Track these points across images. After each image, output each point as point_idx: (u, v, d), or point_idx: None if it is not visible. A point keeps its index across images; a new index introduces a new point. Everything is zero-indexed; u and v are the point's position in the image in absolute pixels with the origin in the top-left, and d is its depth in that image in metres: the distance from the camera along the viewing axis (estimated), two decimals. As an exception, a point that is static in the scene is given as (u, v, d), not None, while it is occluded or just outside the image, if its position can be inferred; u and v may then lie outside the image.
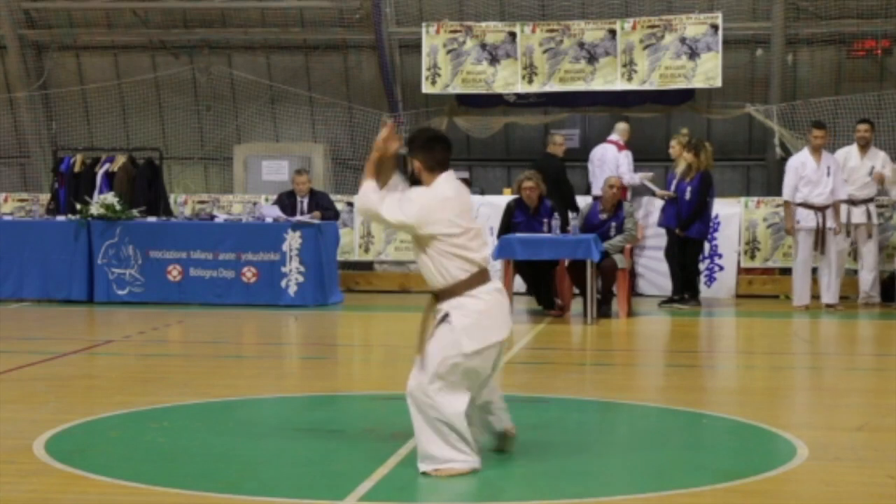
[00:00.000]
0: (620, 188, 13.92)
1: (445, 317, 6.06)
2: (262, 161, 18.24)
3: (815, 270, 14.39)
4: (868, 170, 14.44)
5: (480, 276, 6.13)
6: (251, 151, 18.46)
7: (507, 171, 18.58)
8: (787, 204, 14.46)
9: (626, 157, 15.65)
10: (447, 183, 6.24)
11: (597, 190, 15.61)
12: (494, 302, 6.15)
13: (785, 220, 14.62)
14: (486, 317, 6.10)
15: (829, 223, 14.13)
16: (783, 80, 17.28)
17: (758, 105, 17.23)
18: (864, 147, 14.60)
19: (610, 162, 15.59)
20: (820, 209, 14.15)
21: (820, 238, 14.13)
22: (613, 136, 15.95)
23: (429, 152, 6.27)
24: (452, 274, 6.09)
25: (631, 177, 15.46)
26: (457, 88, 17.04)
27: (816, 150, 14.23)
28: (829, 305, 14.18)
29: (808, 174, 14.19)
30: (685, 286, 14.34)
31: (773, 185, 17.67)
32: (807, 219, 14.20)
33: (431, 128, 6.60)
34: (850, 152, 14.61)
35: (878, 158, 14.67)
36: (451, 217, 6.10)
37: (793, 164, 14.45)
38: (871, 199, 14.54)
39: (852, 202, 14.43)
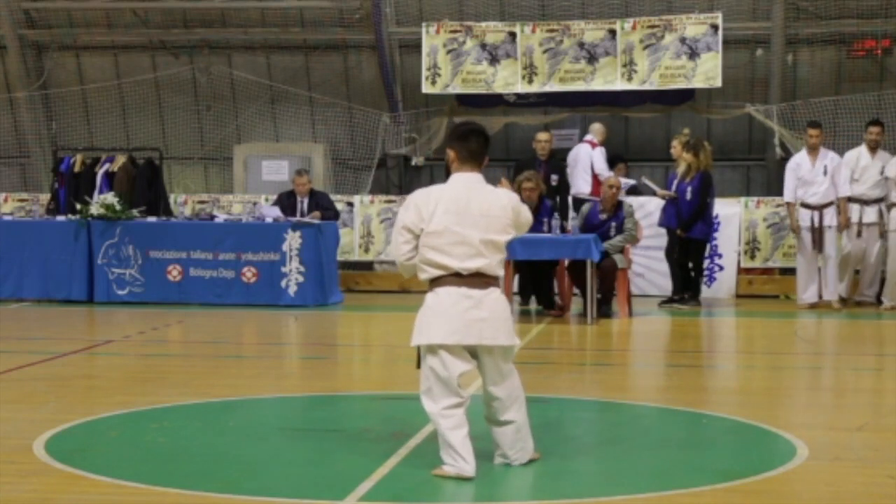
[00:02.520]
0: (619, 188, 13.92)
1: None
2: (262, 161, 18.24)
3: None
4: (879, 169, 14.45)
5: (452, 279, 6.01)
6: (251, 151, 18.46)
7: (506, 172, 18.53)
8: (788, 205, 14.66)
9: (599, 154, 15.73)
10: (455, 182, 6.13)
11: (574, 190, 15.62)
12: (451, 303, 5.97)
13: (790, 220, 14.74)
14: (434, 314, 6.01)
15: (828, 221, 14.20)
16: (783, 80, 17.28)
17: (758, 105, 17.23)
18: (873, 148, 14.59)
19: (583, 160, 15.65)
20: (816, 208, 14.24)
21: (817, 237, 14.21)
22: (588, 136, 16.04)
23: (463, 142, 6.17)
24: (426, 270, 6.07)
25: (609, 174, 15.58)
26: (457, 88, 17.05)
27: (812, 150, 14.40)
28: (831, 303, 14.27)
29: (804, 174, 14.39)
30: (687, 286, 14.34)
31: (773, 185, 17.67)
32: (804, 218, 14.39)
33: (473, 122, 6.44)
34: (861, 152, 14.61)
35: (889, 159, 14.68)
36: (428, 214, 6.01)
37: (790, 165, 14.67)
38: (882, 199, 14.54)
39: (864, 202, 14.45)
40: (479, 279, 6.03)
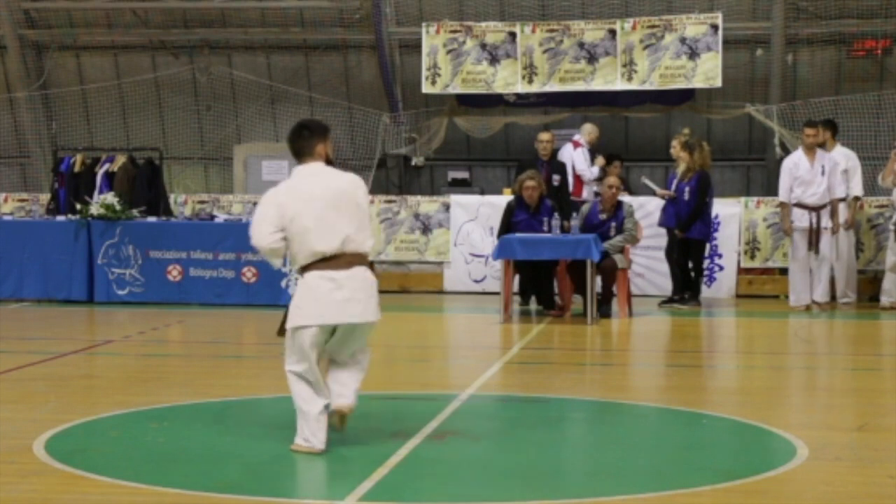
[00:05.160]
0: (619, 188, 13.90)
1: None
2: (262, 161, 18.24)
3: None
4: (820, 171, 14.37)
5: (324, 262, 6.56)
6: (251, 151, 18.47)
7: (507, 171, 18.58)
8: (783, 205, 14.44)
9: (580, 154, 15.77)
10: (292, 180, 6.70)
11: None
12: (315, 286, 6.58)
13: (782, 221, 14.59)
14: (304, 299, 6.59)
15: (824, 223, 14.12)
16: (783, 80, 17.29)
17: (758, 105, 17.23)
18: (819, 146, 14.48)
19: (565, 160, 15.66)
20: (814, 209, 14.13)
21: (814, 238, 14.14)
22: (576, 136, 16.07)
23: (294, 142, 6.74)
24: (297, 260, 6.65)
25: (591, 172, 15.61)
26: (457, 88, 17.05)
27: (810, 150, 14.17)
28: (816, 303, 14.17)
29: (802, 174, 14.16)
30: (687, 286, 14.33)
31: (772, 185, 17.64)
32: (801, 219, 14.17)
33: (310, 118, 7.03)
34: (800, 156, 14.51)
35: (842, 156, 14.66)
36: (279, 221, 6.59)
37: (787, 164, 14.39)
38: (842, 199, 14.50)
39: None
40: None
